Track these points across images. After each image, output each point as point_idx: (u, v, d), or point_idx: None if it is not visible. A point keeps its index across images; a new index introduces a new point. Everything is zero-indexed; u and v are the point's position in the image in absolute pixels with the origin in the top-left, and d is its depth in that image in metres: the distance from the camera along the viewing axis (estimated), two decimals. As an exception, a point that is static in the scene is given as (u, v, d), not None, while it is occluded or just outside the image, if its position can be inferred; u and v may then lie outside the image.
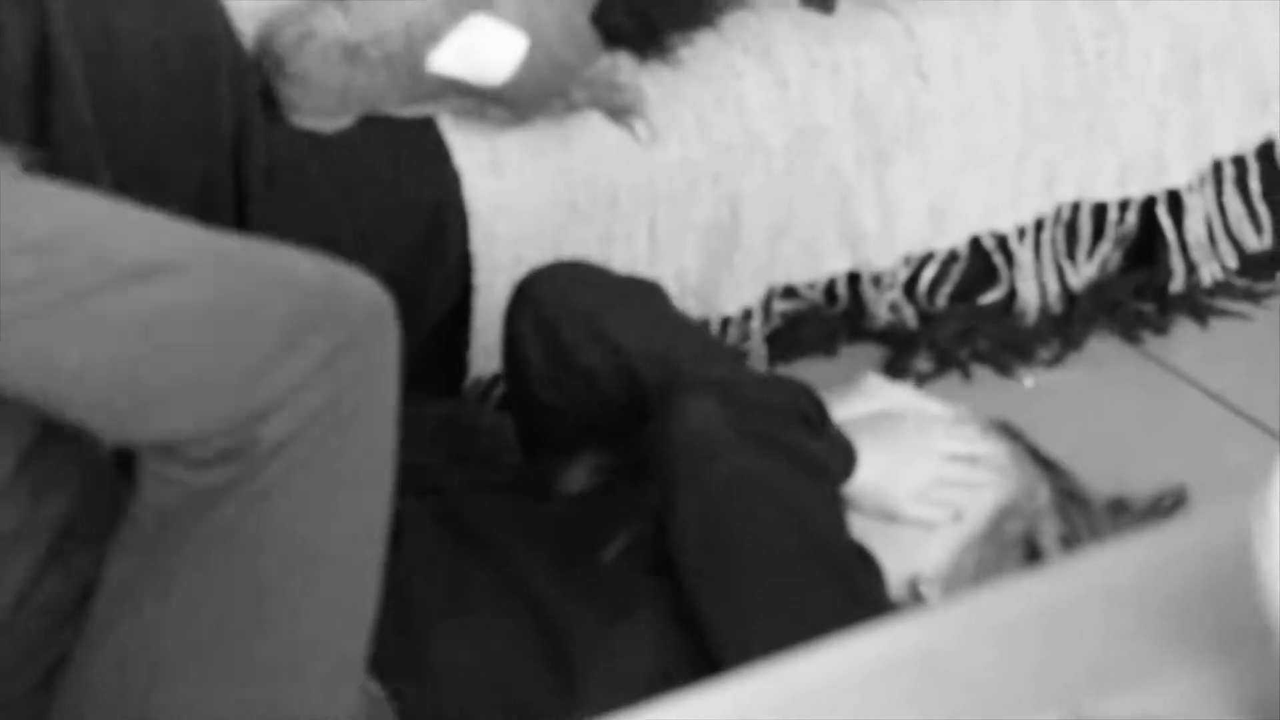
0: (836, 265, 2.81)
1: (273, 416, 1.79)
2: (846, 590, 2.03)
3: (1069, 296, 2.97)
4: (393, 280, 2.24)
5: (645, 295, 2.40)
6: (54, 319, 1.73)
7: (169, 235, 1.86)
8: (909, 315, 2.87)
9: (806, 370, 2.69)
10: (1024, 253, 2.91)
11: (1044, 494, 2.18)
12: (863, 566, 2.11)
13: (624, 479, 2.23)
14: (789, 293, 2.80)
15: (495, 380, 2.67)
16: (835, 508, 2.07)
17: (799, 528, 2.01)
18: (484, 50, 2.57)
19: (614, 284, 2.40)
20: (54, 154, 2.36)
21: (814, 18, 2.76)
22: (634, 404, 2.28)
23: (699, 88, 2.66)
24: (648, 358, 2.27)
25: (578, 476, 2.25)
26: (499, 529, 2.17)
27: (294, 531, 1.82)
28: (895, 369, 2.83)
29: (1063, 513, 2.19)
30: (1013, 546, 2.14)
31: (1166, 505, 2.32)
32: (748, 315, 2.82)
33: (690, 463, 2.01)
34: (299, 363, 1.79)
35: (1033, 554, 2.16)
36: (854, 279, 2.84)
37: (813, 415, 2.08)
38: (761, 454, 2.01)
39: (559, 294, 2.35)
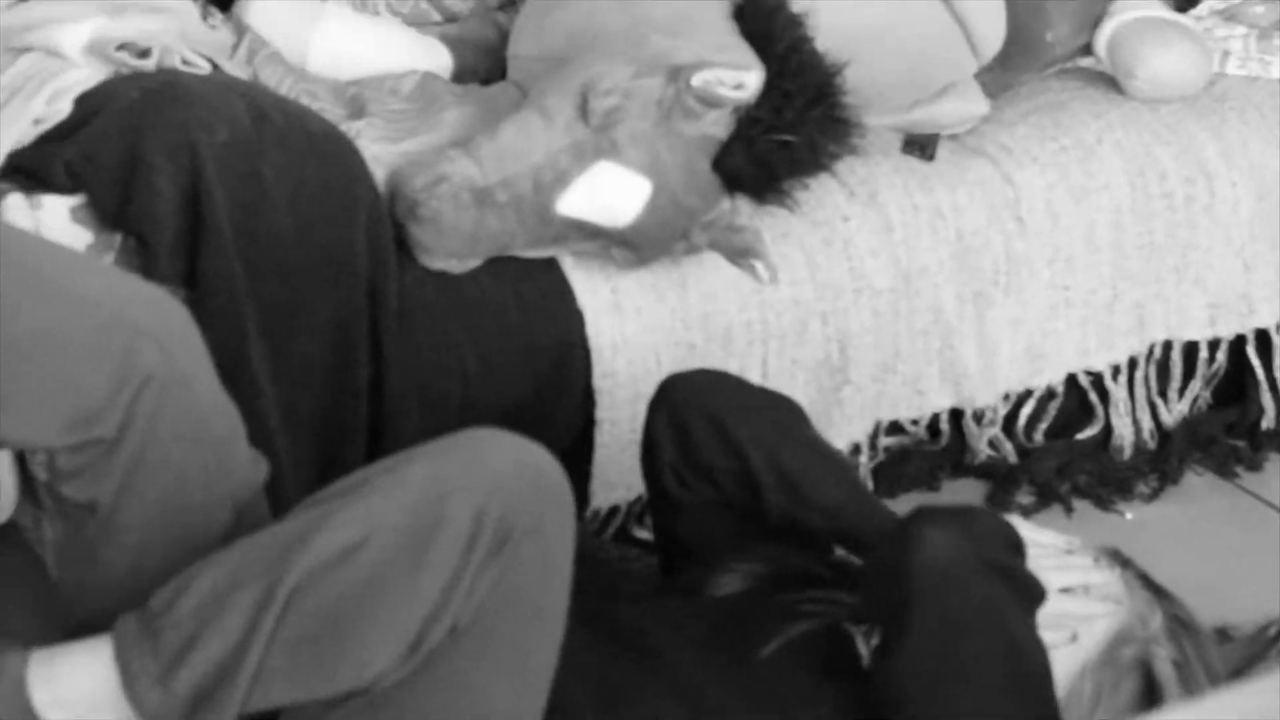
0: (939, 402, 2.83)
1: (454, 607, 1.83)
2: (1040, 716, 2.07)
3: (1163, 432, 2.98)
4: (517, 414, 2.34)
5: (779, 409, 2.43)
6: None
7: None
8: (1009, 450, 2.88)
9: (909, 504, 2.67)
10: (1118, 390, 2.92)
11: (1156, 620, 2.17)
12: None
13: (773, 583, 2.23)
14: (894, 428, 2.82)
15: (614, 512, 2.67)
16: (1038, 636, 2.08)
17: (1014, 656, 2.02)
18: (610, 195, 2.59)
19: (749, 393, 2.45)
20: (202, 294, 2.43)
21: (916, 165, 2.81)
22: (753, 507, 2.31)
23: (809, 230, 2.70)
24: (768, 465, 2.31)
25: (731, 581, 2.24)
26: (649, 627, 2.18)
27: (474, 699, 1.87)
28: (997, 503, 2.85)
29: (1174, 639, 2.18)
30: (1128, 671, 2.14)
31: (1271, 635, 2.32)
32: (855, 450, 2.84)
33: (936, 592, 2.02)
34: (485, 555, 1.83)
35: (1148, 679, 2.15)
36: (956, 415, 2.86)
37: (1021, 545, 2.10)
38: (999, 583, 2.03)
39: (695, 394, 2.40)
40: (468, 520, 1.85)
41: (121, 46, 2.58)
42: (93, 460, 1.99)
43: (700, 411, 2.35)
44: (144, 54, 2.57)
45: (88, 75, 2.55)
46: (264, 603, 1.85)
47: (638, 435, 2.45)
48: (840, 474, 2.44)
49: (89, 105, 2.52)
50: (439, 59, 2.95)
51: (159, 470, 2.01)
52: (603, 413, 2.62)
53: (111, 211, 2.47)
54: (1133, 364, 2.93)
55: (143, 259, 2.46)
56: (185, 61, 2.59)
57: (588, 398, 2.63)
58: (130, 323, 2.03)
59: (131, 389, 1.97)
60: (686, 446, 2.33)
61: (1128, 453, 2.94)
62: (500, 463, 1.93)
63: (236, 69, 2.75)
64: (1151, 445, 2.97)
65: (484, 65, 3.02)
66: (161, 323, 2.07)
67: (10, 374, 1.98)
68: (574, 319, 2.61)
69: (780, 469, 2.31)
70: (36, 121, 2.49)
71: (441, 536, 1.84)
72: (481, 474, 1.90)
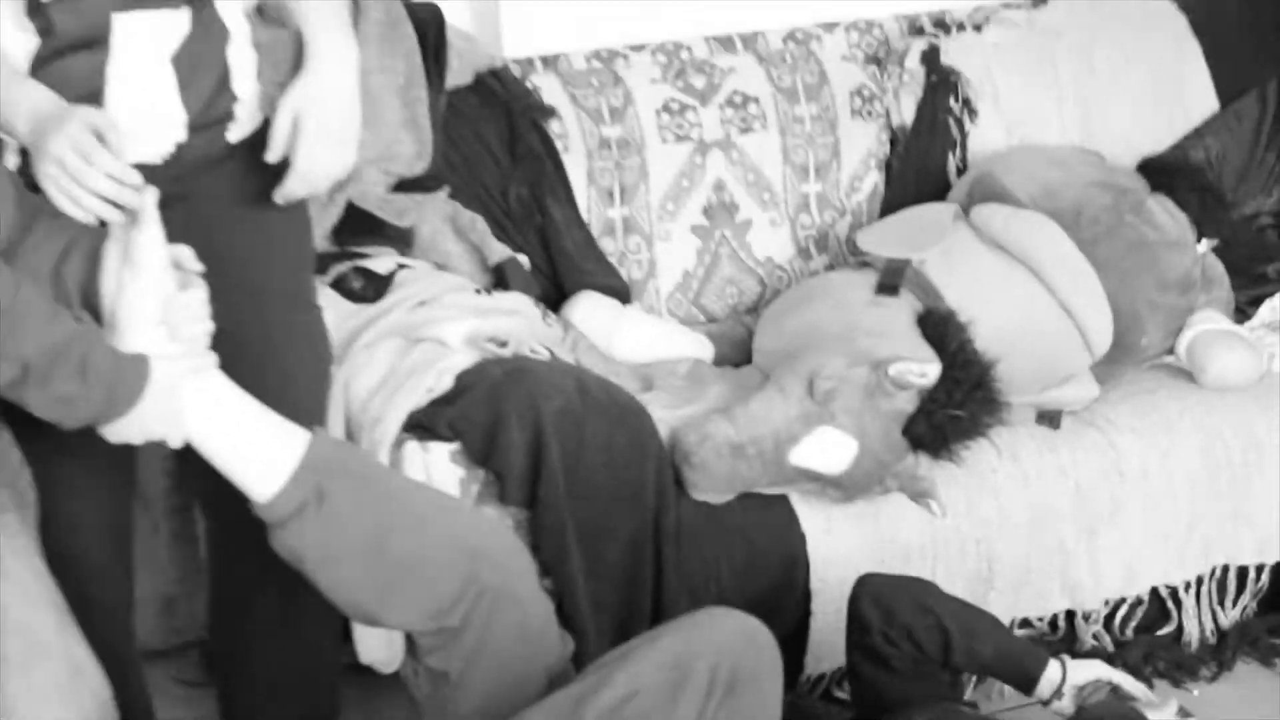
0: (1058, 605, 2.86)
1: None
2: None
3: (1221, 632, 2.97)
4: (756, 606, 2.33)
5: (965, 601, 2.50)
6: None
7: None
8: (1107, 642, 2.90)
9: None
10: (1189, 600, 2.94)
11: None
12: None
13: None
14: (1024, 623, 2.85)
15: (820, 678, 2.72)
16: None
17: None
18: (828, 451, 2.64)
19: (925, 582, 2.51)
20: (538, 514, 2.53)
21: (1046, 433, 2.86)
22: (943, 651, 2.37)
23: (969, 478, 2.74)
24: (952, 618, 2.38)
25: None
26: None
27: None
28: (1096, 683, 2.89)
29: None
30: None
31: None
32: (996, 638, 2.91)
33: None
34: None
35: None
36: (1070, 615, 2.89)
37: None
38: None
39: (891, 582, 2.46)
40: (705, 675, 1.92)
41: (489, 339, 2.70)
42: (444, 642, 2.06)
43: (900, 591, 2.41)
44: (503, 344, 2.69)
45: (465, 359, 2.63)
46: None
47: (842, 623, 2.47)
48: (997, 624, 2.47)
49: (466, 380, 2.60)
50: (705, 349, 3.02)
51: (492, 652, 2.06)
52: (817, 606, 2.67)
53: (479, 456, 2.54)
54: (1199, 580, 2.94)
55: (499, 489, 2.54)
56: (532, 350, 2.72)
57: (806, 595, 2.68)
58: (475, 548, 2.08)
59: (472, 596, 2.03)
60: (890, 615, 2.37)
61: (1195, 646, 2.94)
62: (728, 632, 2.00)
63: (565, 355, 2.82)
64: (1212, 641, 2.97)
65: (736, 355, 3.05)
66: (498, 547, 2.14)
67: (392, 580, 2.03)
68: (798, 539, 2.68)
69: (960, 620, 2.38)
70: (429, 390, 2.57)
71: (689, 687, 1.93)
72: (715, 640, 1.98)
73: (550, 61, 3.15)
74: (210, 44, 2.16)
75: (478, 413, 2.52)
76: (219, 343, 2.05)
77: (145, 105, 2.11)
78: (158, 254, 1.95)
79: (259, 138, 2.18)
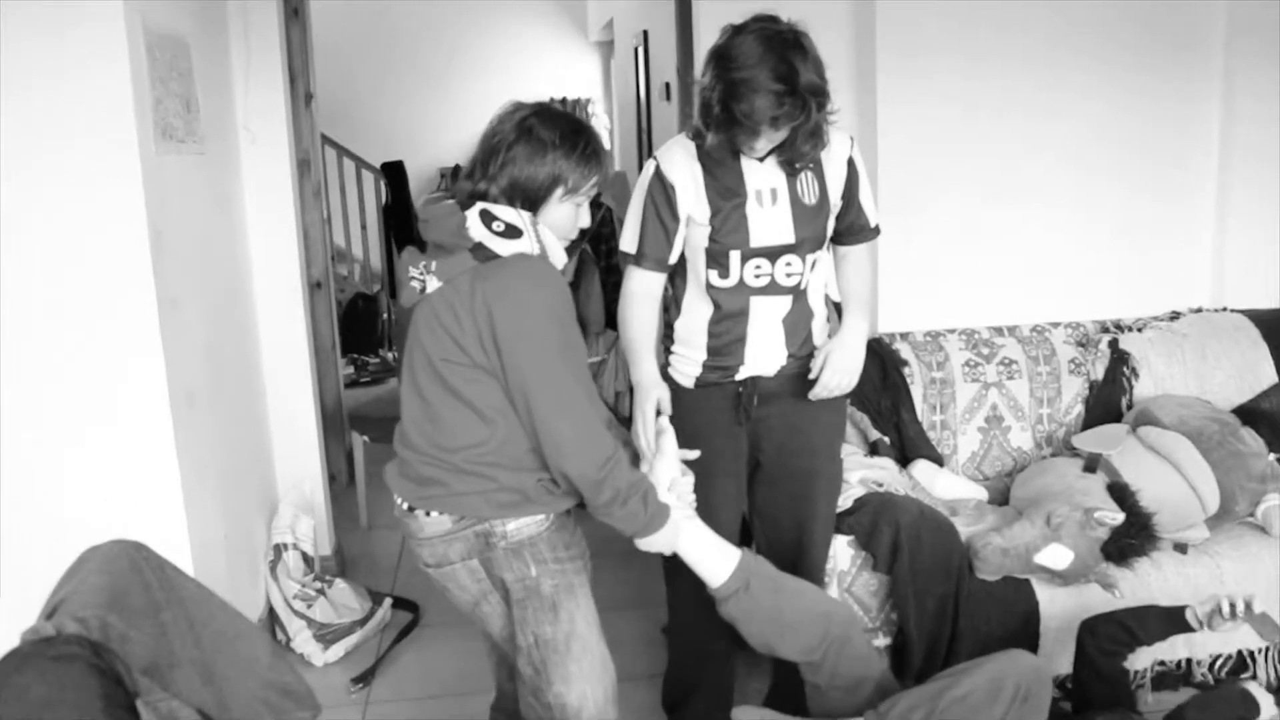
0: (1182, 654, 2.62)
1: None
2: None
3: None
4: (1009, 640, 2.39)
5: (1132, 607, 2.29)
6: None
7: None
8: (1210, 679, 2.63)
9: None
10: (1261, 658, 2.70)
11: None
12: None
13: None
14: (1160, 663, 2.63)
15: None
16: None
17: None
18: (1057, 557, 2.60)
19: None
20: (894, 579, 2.48)
21: (1179, 555, 2.75)
22: (1135, 640, 2.21)
23: (1135, 578, 2.67)
24: (1134, 614, 2.22)
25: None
26: None
27: None
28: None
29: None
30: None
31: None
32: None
33: None
34: None
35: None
36: (1187, 661, 2.64)
37: None
38: None
39: (1101, 617, 2.25)
40: (1011, 689, 1.88)
41: (873, 481, 2.69)
42: (815, 666, 1.96)
43: (1098, 618, 2.32)
44: (880, 485, 2.67)
45: (858, 490, 2.61)
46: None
47: (1054, 654, 2.47)
48: (1155, 607, 2.23)
49: (859, 502, 2.57)
50: (983, 494, 2.99)
51: (842, 672, 1.99)
52: (1043, 642, 2.60)
53: (863, 543, 2.51)
54: (1267, 649, 2.68)
55: (873, 562, 2.51)
56: (895, 489, 2.70)
57: (1036, 635, 2.57)
58: (827, 613, 1.99)
59: (827, 641, 1.98)
60: (1093, 628, 2.27)
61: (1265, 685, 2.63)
62: (1025, 664, 1.94)
63: (910, 492, 2.75)
64: (1274, 684, 2.68)
65: (1000, 498, 3.00)
66: (841, 613, 2.03)
67: (782, 631, 1.93)
68: (1035, 604, 2.62)
69: (1133, 612, 2.26)
70: (840, 506, 2.52)
71: (1002, 694, 1.87)
72: (1019, 667, 1.93)
73: (904, 335, 3.28)
74: (803, 317, 2.29)
75: (865, 520, 2.56)
76: (794, 473, 2.21)
77: (767, 348, 2.27)
78: (671, 452, 2.02)
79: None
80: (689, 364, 2.29)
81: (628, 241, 2.25)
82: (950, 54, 3.30)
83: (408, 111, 8.37)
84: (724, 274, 2.21)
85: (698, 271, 2.24)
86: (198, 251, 2.71)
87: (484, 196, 1.80)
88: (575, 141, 1.81)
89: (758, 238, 2.20)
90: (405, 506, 1.84)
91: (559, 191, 1.81)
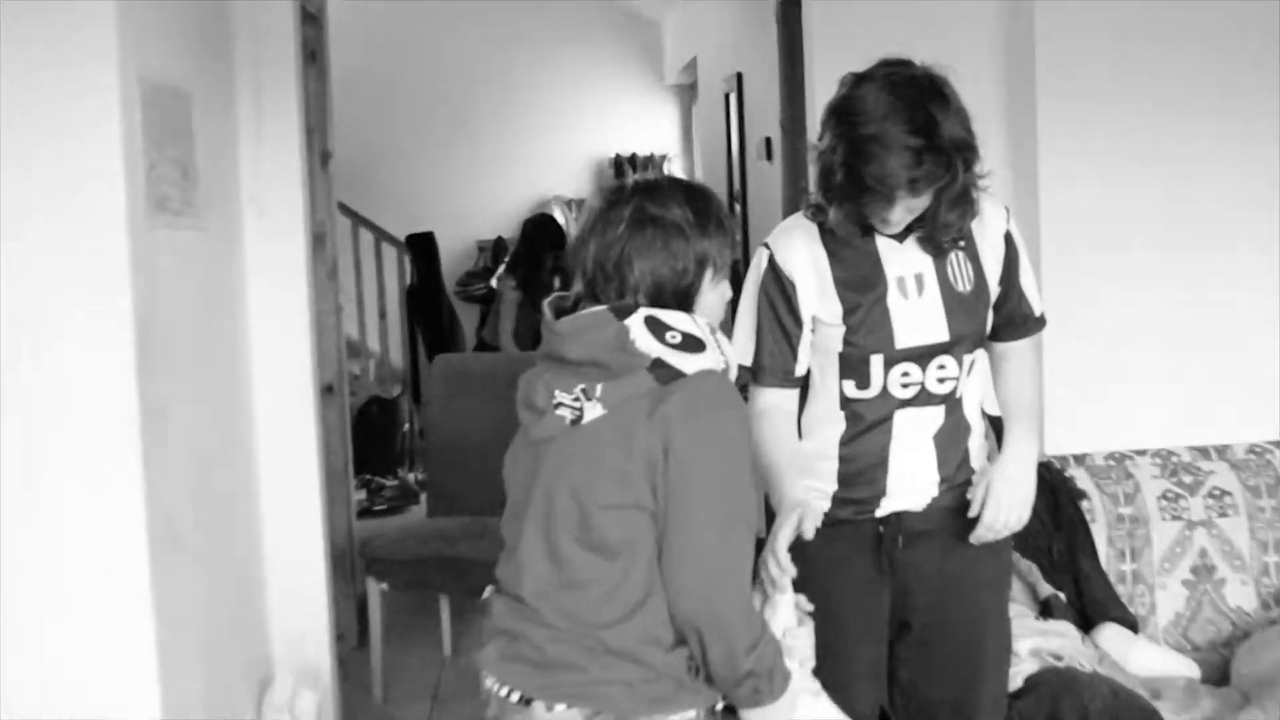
0: None
1: None
2: None
3: None
4: None
5: None
6: None
7: None
8: None
9: None
10: None
11: None
12: None
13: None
14: None
15: None
16: None
17: None
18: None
19: None
20: None
21: None
22: None
23: None
24: None
25: None
26: None
27: None
28: None
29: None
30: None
31: None
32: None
33: None
34: None
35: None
36: None
37: None
38: None
39: None
40: None
41: (1049, 653, 2.72)
42: None
43: None
44: (1059, 658, 2.71)
45: (1030, 666, 2.67)
46: None
47: None
48: None
49: (1031, 681, 2.64)
50: (1193, 670, 3.03)
51: None
52: None
53: None
54: None
55: None
56: (1079, 664, 2.75)
57: None
58: None
59: None
60: None
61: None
62: None
63: (1097, 668, 2.81)
64: None
65: (1215, 676, 3.02)
66: None
67: None
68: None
69: None
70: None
71: None
72: None
73: (1080, 459, 3.31)
74: (958, 432, 2.30)
75: (1042, 705, 2.59)
76: (954, 639, 2.26)
77: (915, 474, 2.28)
78: (787, 598, 2.09)
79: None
80: (814, 495, 2.30)
81: (741, 351, 2.29)
82: (1134, 99, 3.37)
83: (438, 172, 8.62)
84: (863, 384, 2.25)
85: (828, 383, 2.28)
86: (191, 349, 2.73)
87: (629, 296, 1.87)
88: (705, 211, 1.88)
89: (905, 336, 2.23)
90: (515, 698, 1.84)
91: (708, 276, 1.89)
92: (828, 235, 2.23)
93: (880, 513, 2.31)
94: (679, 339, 1.82)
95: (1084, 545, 3.14)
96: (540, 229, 6.45)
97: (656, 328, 1.82)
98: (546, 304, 1.93)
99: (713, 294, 1.90)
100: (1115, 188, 3.37)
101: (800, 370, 2.30)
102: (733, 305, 2.17)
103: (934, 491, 2.31)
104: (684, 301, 1.87)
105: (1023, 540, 2.94)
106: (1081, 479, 3.26)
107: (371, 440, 6.53)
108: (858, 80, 2.11)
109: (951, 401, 2.28)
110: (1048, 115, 3.34)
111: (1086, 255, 3.39)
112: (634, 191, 1.87)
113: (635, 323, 1.82)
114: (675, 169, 8.90)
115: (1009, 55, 3.48)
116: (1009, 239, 2.31)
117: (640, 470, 1.79)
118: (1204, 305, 3.46)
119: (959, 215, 2.18)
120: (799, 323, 2.27)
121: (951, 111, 2.07)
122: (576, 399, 1.83)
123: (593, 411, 1.82)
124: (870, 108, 2.05)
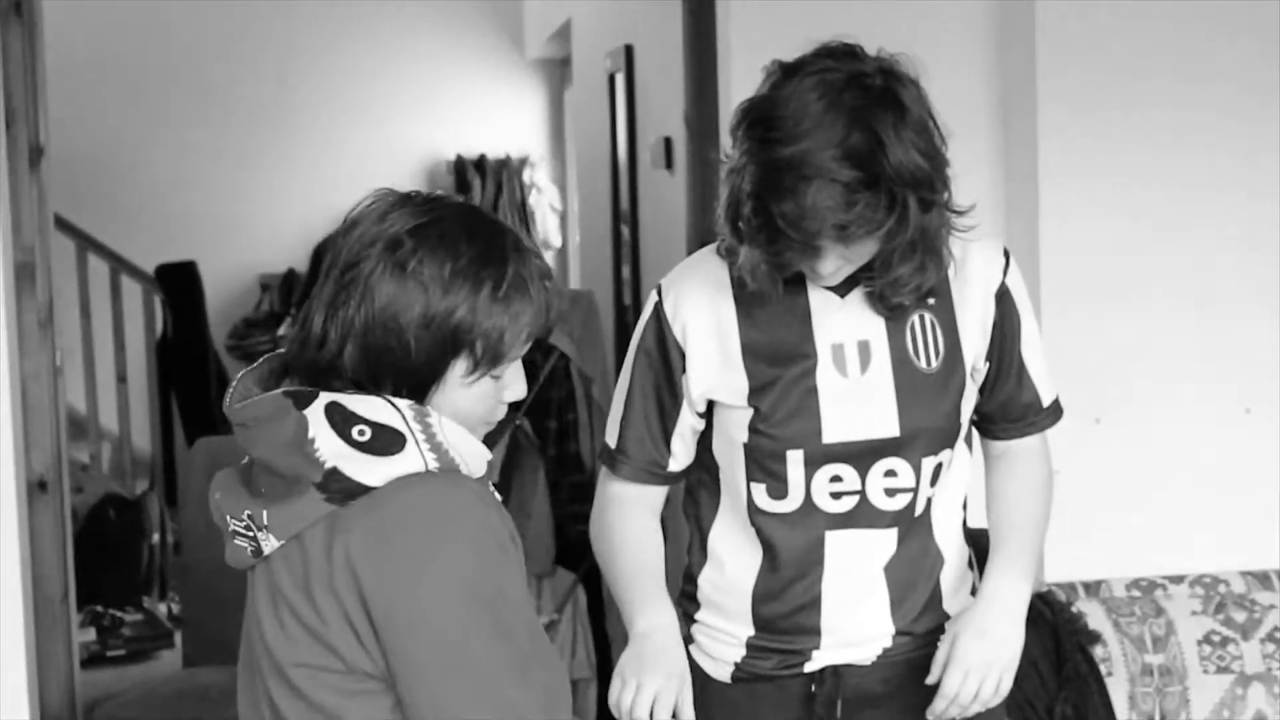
0: None
1: None
2: None
3: None
4: None
5: None
6: None
7: None
8: None
9: None
10: None
11: None
12: None
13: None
14: None
15: None
16: None
17: None
18: None
19: None
20: None
21: None
22: None
23: None
24: None
25: None
26: None
27: None
28: None
29: None
30: None
31: None
32: None
33: None
34: None
35: None
36: None
37: None
38: None
39: None
40: None
41: None
42: None
43: None
44: None
45: None
46: None
47: None
48: None
49: None
50: None
51: None
52: None
53: None
54: None
55: None
56: None
57: None
58: None
59: None
60: None
61: None
62: None
63: None
64: None
65: None
66: None
67: None
68: None
69: None
70: None
71: None
72: None
73: (1092, 588, 3.39)
74: (922, 563, 2.32)
75: None
76: None
77: (860, 616, 2.31)
78: None
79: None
80: (723, 643, 2.34)
81: (609, 426, 2.37)
82: (1176, 107, 3.49)
83: (203, 179, 8.56)
84: (777, 491, 2.27)
85: (733, 486, 2.30)
86: None
87: (336, 373, 1.84)
88: (474, 255, 1.84)
89: (836, 428, 2.25)
90: None
91: (459, 364, 1.85)
92: (740, 283, 2.26)
93: (811, 666, 2.34)
94: (368, 435, 1.81)
95: (1097, 708, 3.22)
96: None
97: (340, 418, 1.82)
98: (240, 375, 1.92)
99: (463, 394, 1.88)
100: (1141, 221, 3.50)
101: (675, 465, 2.36)
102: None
103: (886, 642, 2.34)
104: (419, 390, 1.86)
105: (1015, 702, 3.06)
106: (1094, 616, 3.34)
107: (106, 557, 6.46)
108: (784, 73, 2.14)
109: (909, 522, 2.31)
110: (1051, 127, 3.47)
111: (1103, 309, 3.51)
112: (382, 209, 1.87)
113: (315, 414, 1.81)
114: (540, 175, 8.96)
115: (1003, 43, 3.63)
116: (1002, 297, 2.33)
117: (335, 625, 1.81)
118: (1266, 374, 3.57)
119: (914, 270, 2.20)
120: (678, 402, 2.32)
121: (908, 128, 2.09)
122: (248, 527, 1.85)
123: (268, 543, 1.85)
124: (792, 117, 2.08)
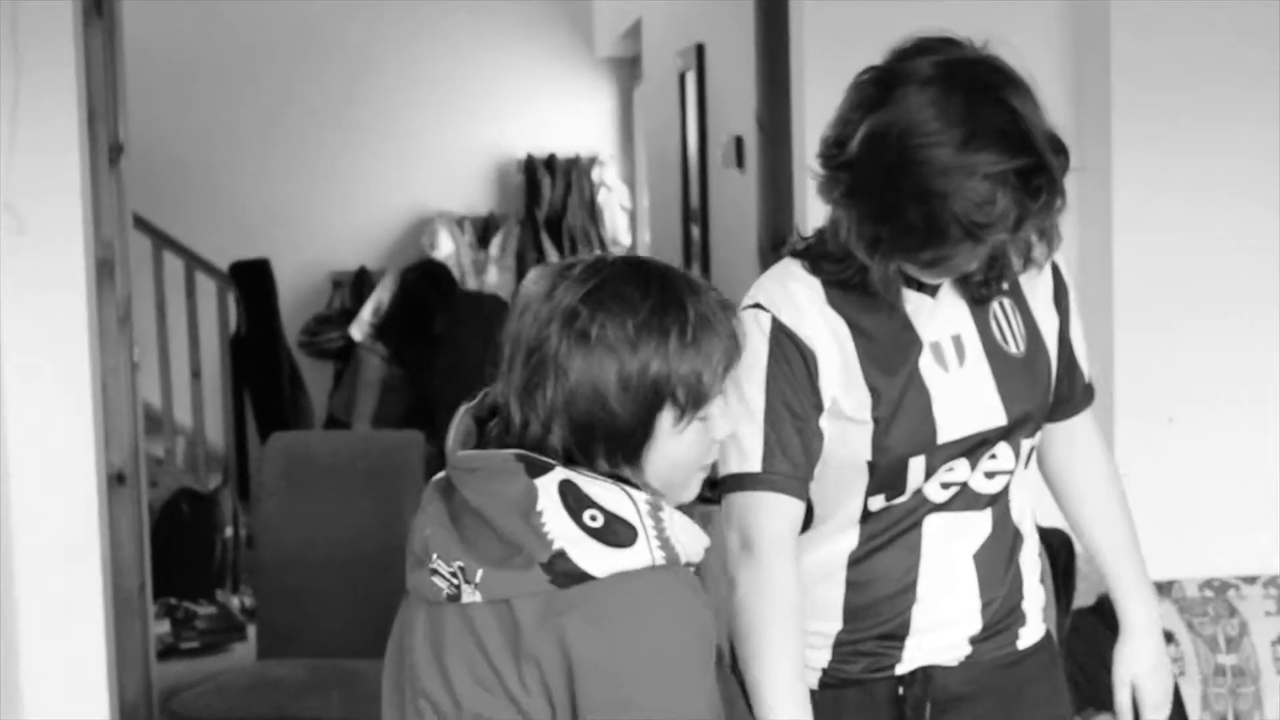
0: None
1: None
2: None
3: None
4: None
5: None
6: None
7: None
8: None
9: None
10: None
11: None
12: None
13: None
14: None
15: None
16: None
17: None
18: None
19: None
20: None
21: None
22: None
23: None
24: None
25: None
26: None
27: None
28: None
29: None
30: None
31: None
32: None
33: None
34: None
35: None
36: None
37: None
38: None
39: None
40: None
41: None
42: None
43: None
44: None
45: None
46: None
47: None
48: None
49: None
50: None
51: None
52: None
53: None
54: None
55: None
56: None
57: None
58: None
59: None
60: None
61: None
62: None
63: None
64: None
65: None
66: None
67: None
68: None
69: None
70: None
71: None
72: None
73: (1165, 588, 3.36)
74: (1006, 547, 2.32)
75: None
76: None
77: (950, 609, 2.30)
78: None
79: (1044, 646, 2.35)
80: (811, 645, 2.29)
81: (741, 454, 2.21)
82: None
83: (277, 177, 8.65)
84: (895, 494, 2.25)
85: (841, 504, 2.27)
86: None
87: (536, 443, 1.85)
88: (664, 322, 1.85)
89: (951, 424, 2.23)
90: None
91: (665, 417, 1.86)
92: (834, 293, 2.22)
93: (901, 668, 2.31)
94: (600, 522, 1.82)
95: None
96: (426, 279, 6.44)
97: (573, 499, 1.82)
98: (463, 411, 1.94)
99: (675, 443, 1.88)
100: (1213, 228, 3.51)
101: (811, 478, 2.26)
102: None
103: (974, 629, 2.31)
104: (626, 453, 1.87)
105: (1087, 701, 3.09)
106: (1167, 616, 3.32)
107: (180, 551, 6.52)
108: (883, 79, 2.10)
109: (1001, 504, 2.30)
110: (1125, 137, 3.52)
111: (1176, 311, 3.53)
112: (546, 287, 1.87)
113: (547, 488, 1.82)
114: (609, 174, 8.98)
115: (1077, 50, 3.66)
116: (1056, 271, 2.35)
117: (537, 706, 1.82)
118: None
119: (1025, 255, 2.22)
120: (819, 405, 2.23)
121: (1034, 101, 2.08)
122: (455, 574, 1.86)
123: (470, 596, 1.86)
124: (933, 114, 2.04)
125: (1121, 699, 2.35)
